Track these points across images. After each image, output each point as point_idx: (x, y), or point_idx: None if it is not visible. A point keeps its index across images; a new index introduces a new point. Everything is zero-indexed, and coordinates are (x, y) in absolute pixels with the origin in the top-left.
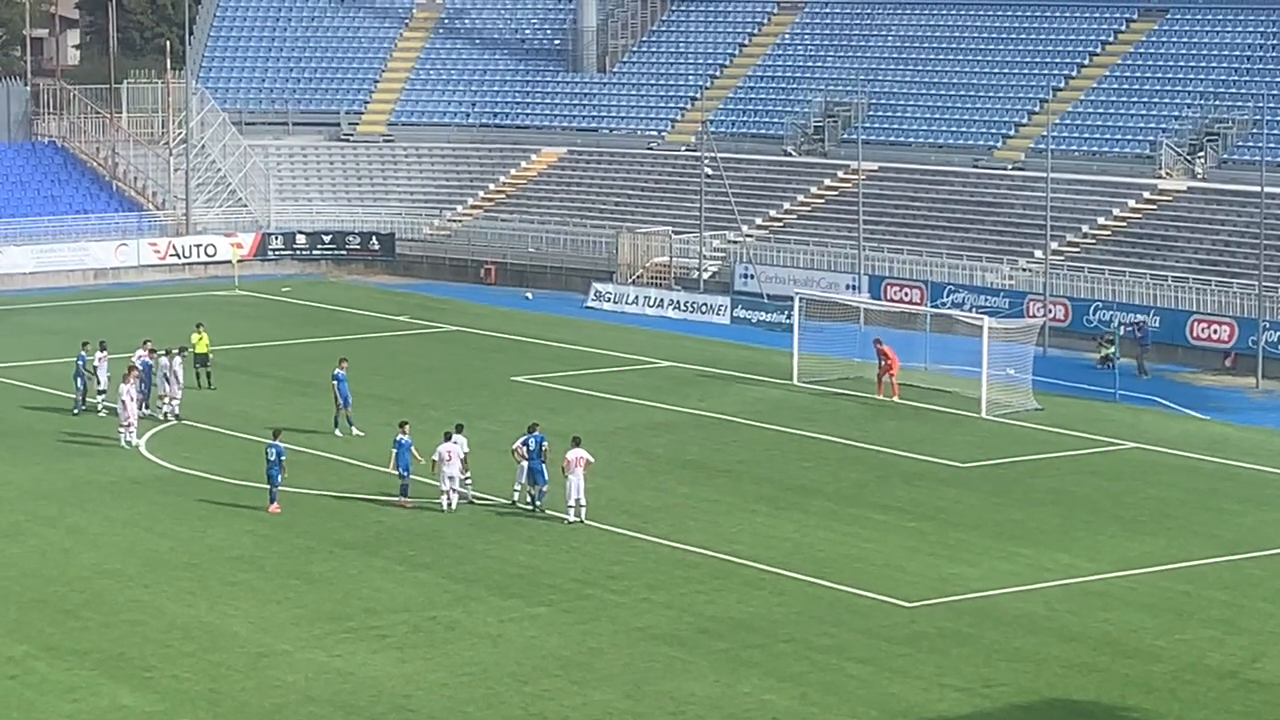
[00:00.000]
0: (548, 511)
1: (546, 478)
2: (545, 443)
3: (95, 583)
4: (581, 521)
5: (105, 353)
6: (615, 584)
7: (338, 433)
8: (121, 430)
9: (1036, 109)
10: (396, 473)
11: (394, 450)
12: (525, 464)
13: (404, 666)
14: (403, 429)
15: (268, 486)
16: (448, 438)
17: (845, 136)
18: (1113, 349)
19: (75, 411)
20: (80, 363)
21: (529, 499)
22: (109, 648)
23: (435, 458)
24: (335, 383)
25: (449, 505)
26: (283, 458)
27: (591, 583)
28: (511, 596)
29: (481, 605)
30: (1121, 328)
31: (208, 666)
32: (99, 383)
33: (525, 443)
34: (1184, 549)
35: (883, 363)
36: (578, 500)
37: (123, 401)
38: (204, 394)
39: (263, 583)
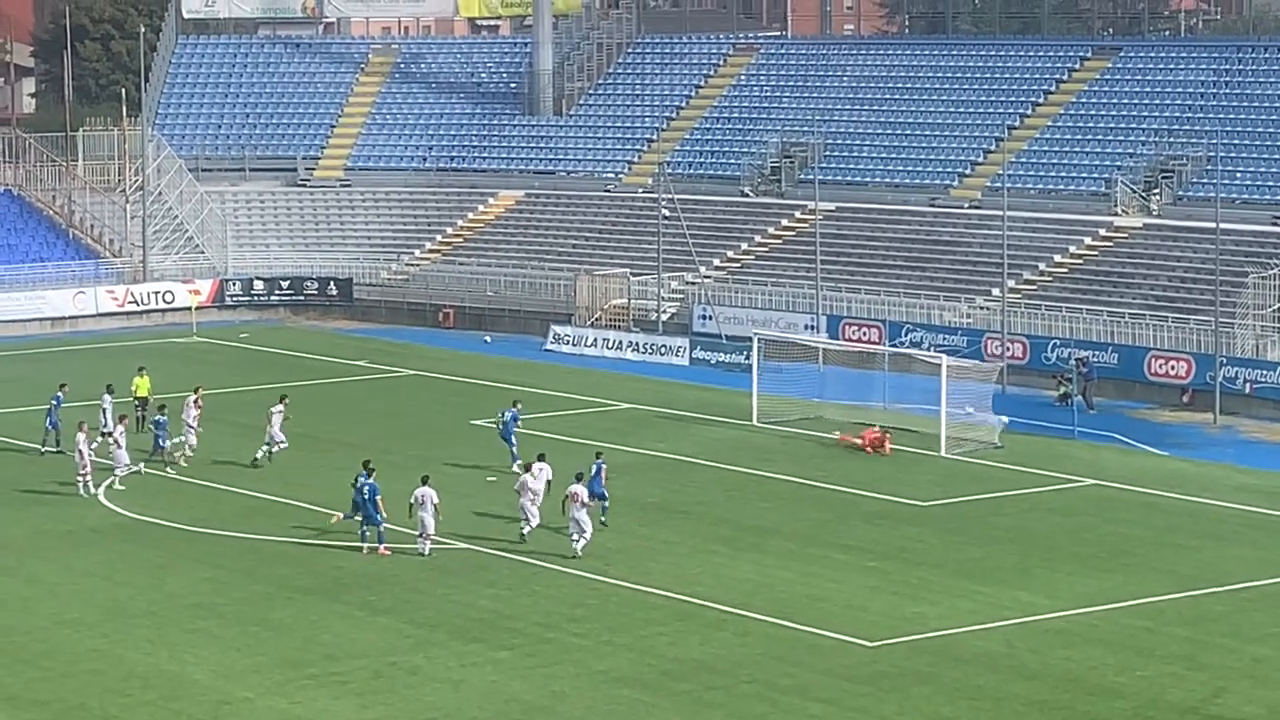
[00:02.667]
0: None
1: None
2: (605, 466)
3: (54, 632)
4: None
5: (111, 395)
6: (577, 627)
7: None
8: (79, 479)
9: (992, 148)
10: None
11: (365, 496)
12: (531, 500)
13: (365, 713)
14: (366, 468)
15: (363, 525)
16: (425, 482)
17: (802, 177)
18: (1071, 386)
19: (42, 451)
20: (55, 404)
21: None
22: (69, 697)
23: (411, 501)
24: (505, 423)
25: (425, 551)
26: (377, 496)
27: (553, 626)
28: (473, 641)
29: (443, 650)
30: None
31: (168, 715)
32: (103, 424)
33: (591, 473)
34: (1143, 585)
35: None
36: (580, 529)
37: (79, 450)
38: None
39: (222, 630)
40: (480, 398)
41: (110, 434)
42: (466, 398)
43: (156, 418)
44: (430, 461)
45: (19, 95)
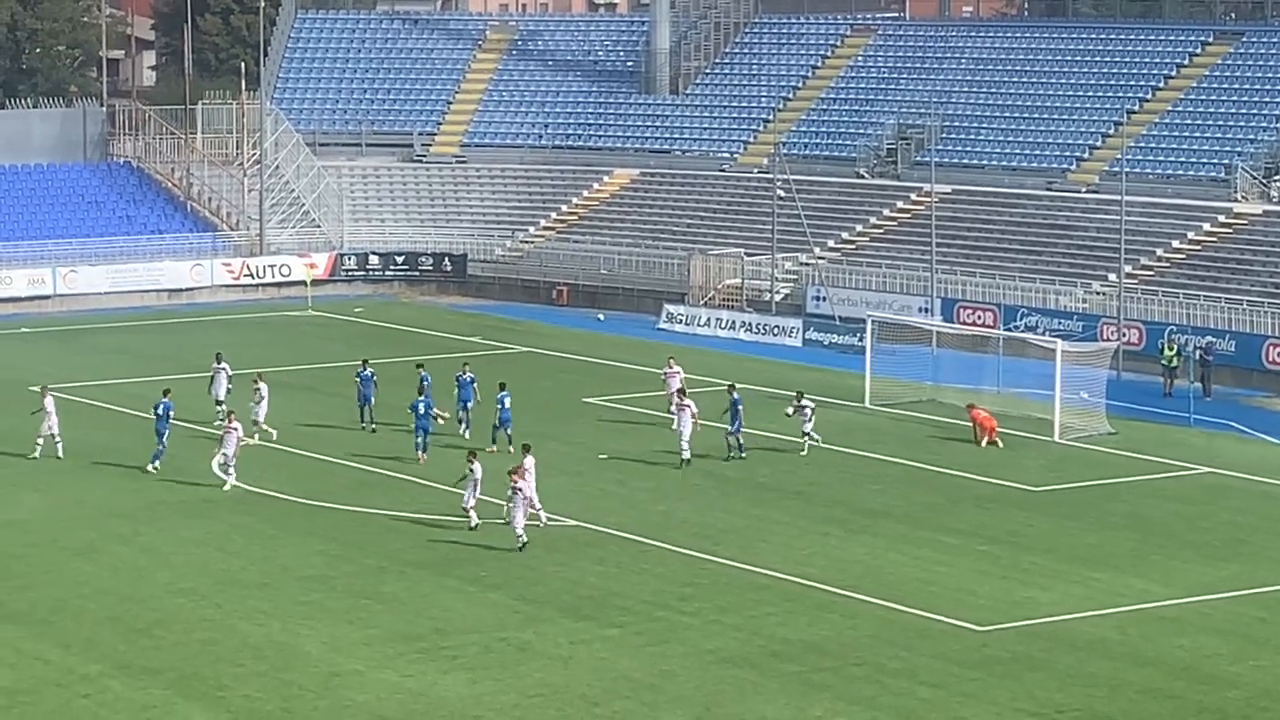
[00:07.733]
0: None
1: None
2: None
3: (168, 601)
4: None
5: (224, 364)
6: (686, 606)
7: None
8: (39, 440)
9: (1111, 132)
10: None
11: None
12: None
13: (475, 687)
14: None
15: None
16: (526, 450)
17: (918, 159)
18: (1176, 352)
19: (362, 425)
20: (361, 380)
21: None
22: (182, 666)
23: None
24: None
25: (544, 520)
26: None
27: (662, 604)
28: (582, 618)
29: (552, 626)
30: (1190, 348)
31: (280, 686)
32: (218, 395)
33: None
34: (1259, 575)
35: (978, 430)
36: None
37: (46, 412)
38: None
39: (334, 602)
40: (594, 375)
41: (223, 403)
42: (579, 375)
43: (422, 374)
44: (542, 438)
45: (139, 68)
